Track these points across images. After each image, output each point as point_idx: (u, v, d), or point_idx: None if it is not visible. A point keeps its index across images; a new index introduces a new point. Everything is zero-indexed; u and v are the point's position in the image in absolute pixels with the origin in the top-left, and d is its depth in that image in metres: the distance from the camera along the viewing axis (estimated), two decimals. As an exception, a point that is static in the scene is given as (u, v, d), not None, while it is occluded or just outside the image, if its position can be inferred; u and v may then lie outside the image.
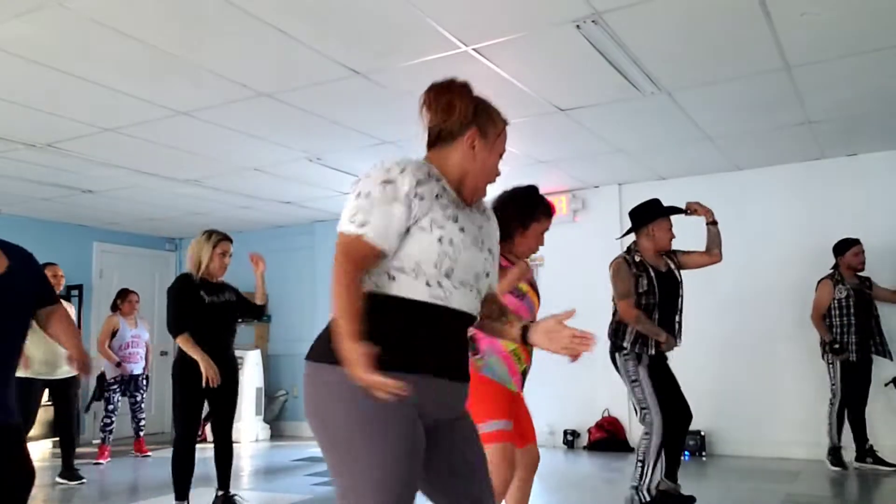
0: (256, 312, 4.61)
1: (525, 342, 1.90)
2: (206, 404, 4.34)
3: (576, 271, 5.97)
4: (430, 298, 1.67)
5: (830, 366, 5.62)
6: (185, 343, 4.11)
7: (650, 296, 4.13)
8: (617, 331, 4.17)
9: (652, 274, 4.15)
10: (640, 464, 4.04)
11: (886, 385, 5.70)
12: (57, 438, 7.81)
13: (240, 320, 4.55)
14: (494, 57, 3.95)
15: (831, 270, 5.72)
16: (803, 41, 3.84)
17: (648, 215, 4.25)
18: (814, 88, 4.56)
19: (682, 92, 4.57)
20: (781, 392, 6.15)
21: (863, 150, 6.04)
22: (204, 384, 4.07)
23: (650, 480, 4.00)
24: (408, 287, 1.66)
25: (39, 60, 3.84)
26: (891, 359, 5.59)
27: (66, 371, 5.58)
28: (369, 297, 1.66)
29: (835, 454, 5.56)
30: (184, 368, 4.15)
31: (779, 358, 6.20)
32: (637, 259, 4.18)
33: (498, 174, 1.88)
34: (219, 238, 4.32)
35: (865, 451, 5.60)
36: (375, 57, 3.90)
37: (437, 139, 1.82)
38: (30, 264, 2.67)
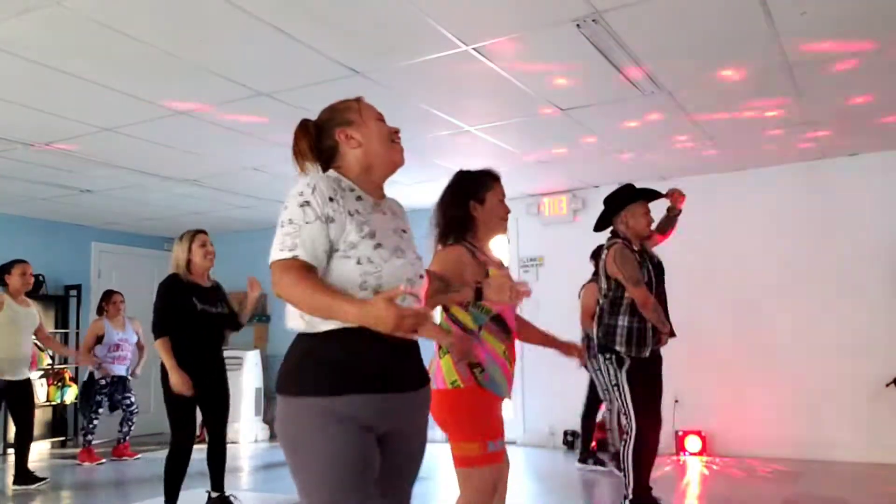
0: (234, 326, 4.50)
1: (479, 299, 2.10)
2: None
3: (576, 271, 5.98)
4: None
5: (598, 372, 5.28)
6: (161, 347, 4.06)
7: (650, 287, 3.91)
8: (608, 333, 3.92)
9: (649, 265, 3.98)
10: (622, 472, 3.93)
11: (888, 385, 5.70)
12: (59, 438, 7.89)
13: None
14: (494, 56, 3.94)
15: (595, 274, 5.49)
16: (804, 40, 3.83)
17: (618, 202, 4.05)
18: (815, 88, 4.54)
19: (682, 91, 4.56)
20: (782, 392, 6.14)
21: (863, 150, 6.03)
22: (177, 389, 4.05)
23: (633, 487, 3.87)
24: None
25: (38, 60, 3.82)
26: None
27: (26, 372, 5.53)
28: (305, 337, 1.77)
29: (616, 458, 5.40)
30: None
31: (779, 357, 6.19)
32: (635, 247, 3.98)
33: (395, 130, 1.96)
34: (193, 234, 4.31)
35: (590, 452, 5.70)
36: (375, 56, 3.89)
37: (327, 163, 1.95)
38: None
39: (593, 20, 3.49)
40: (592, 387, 5.63)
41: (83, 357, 6.61)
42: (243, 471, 6.20)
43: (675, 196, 4.23)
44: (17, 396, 5.51)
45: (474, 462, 2.46)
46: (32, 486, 5.45)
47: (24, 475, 5.50)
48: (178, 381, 4.02)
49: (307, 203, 1.73)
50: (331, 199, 1.75)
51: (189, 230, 4.37)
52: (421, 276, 1.89)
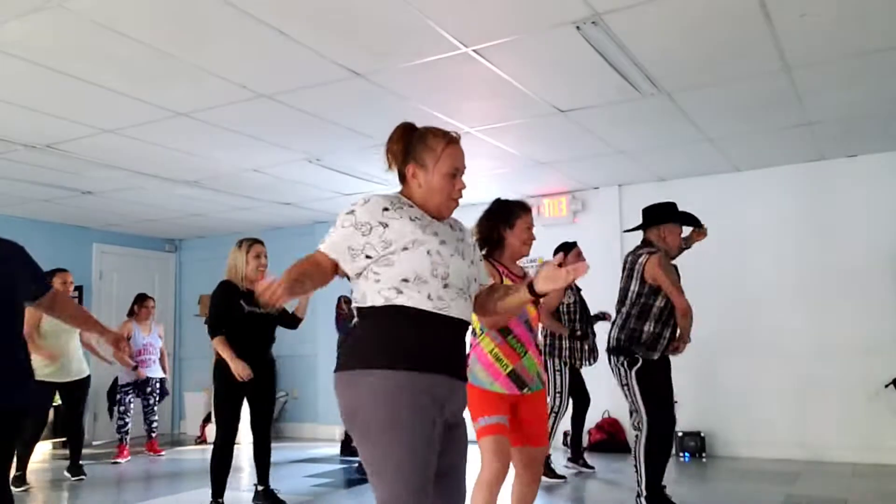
0: (292, 324, 4.69)
1: (534, 294, 2.09)
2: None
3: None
4: (433, 308, 1.94)
5: (557, 373, 5.44)
6: (219, 344, 4.26)
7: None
8: (632, 335, 4.04)
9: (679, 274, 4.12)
10: (635, 470, 4.02)
11: (887, 386, 5.70)
12: (61, 439, 7.90)
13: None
14: (494, 58, 3.95)
15: None
16: (803, 42, 3.84)
17: (664, 216, 4.18)
18: (814, 89, 4.55)
19: (681, 93, 4.57)
20: (781, 393, 6.15)
21: (863, 152, 6.04)
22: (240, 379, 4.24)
23: (646, 483, 3.97)
24: (414, 298, 1.93)
25: (39, 61, 3.84)
26: (596, 360, 5.54)
27: (76, 373, 5.81)
28: (381, 309, 1.95)
29: (546, 465, 5.30)
30: (223, 371, 4.29)
31: (779, 358, 6.20)
32: (669, 257, 4.11)
33: (459, 188, 2.09)
34: (250, 243, 4.47)
35: (580, 453, 5.75)
36: (375, 58, 3.90)
37: (400, 179, 2.14)
38: (16, 252, 2.72)
39: (593, 22, 3.50)
40: (576, 387, 5.62)
41: (118, 358, 6.77)
42: (245, 471, 6.21)
43: (702, 235, 4.42)
44: (67, 396, 5.84)
45: (477, 437, 2.87)
46: (74, 479, 5.83)
47: (75, 466, 5.91)
48: (238, 367, 4.20)
49: (352, 212, 1.98)
50: (385, 210, 1.97)
51: (247, 239, 4.51)
52: (476, 280, 2.11)
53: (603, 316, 5.76)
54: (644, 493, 3.97)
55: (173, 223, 8.48)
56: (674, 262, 4.30)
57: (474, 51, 3.83)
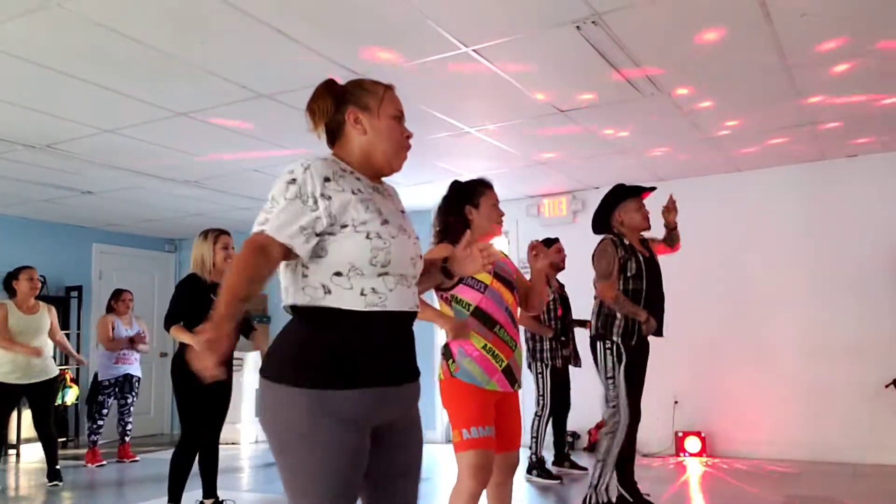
0: (246, 330, 4.64)
1: (448, 276, 2.01)
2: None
3: (576, 272, 6.00)
4: (365, 307, 1.69)
5: (540, 375, 5.46)
6: (176, 332, 4.07)
7: (638, 280, 4.03)
8: (606, 322, 4.01)
9: (640, 258, 4.07)
10: (600, 464, 3.96)
11: (887, 386, 5.70)
12: (61, 440, 7.90)
13: None
14: (494, 58, 3.95)
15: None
16: (803, 42, 3.84)
17: (612, 201, 4.17)
18: (814, 89, 4.56)
19: (681, 93, 4.56)
20: (782, 393, 6.15)
21: (863, 152, 6.04)
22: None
23: (609, 480, 3.92)
24: (342, 299, 1.68)
25: (39, 61, 3.84)
26: (579, 365, 5.55)
27: (41, 374, 5.60)
28: (304, 310, 1.71)
29: (541, 467, 5.42)
30: (183, 368, 4.11)
31: (779, 358, 6.20)
32: (626, 242, 4.08)
33: (407, 136, 1.91)
34: (217, 234, 4.32)
35: (564, 455, 5.77)
36: (375, 58, 3.90)
37: (332, 138, 1.90)
38: None
39: (593, 22, 3.50)
40: (558, 390, 5.60)
41: (113, 344, 6.68)
42: (243, 471, 6.22)
43: (669, 207, 4.28)
44: (34, 398, 5.64)
45: (458, 448, 2.70)
46: (49, 484, 5.61)
47: (53, 472, 5.68)
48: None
49: (293, 181, 1.72)
50: (327, 180, 1.72)
51: (213, 229, 4.36)
52: (420, 257, 1.87)
53: (584, 324, 5.67)
54: (608, 487, 3.92)
55: (173, 223, 8.48)
56: (671, 251, 4.33)
57: (474, 51, 3.83)
